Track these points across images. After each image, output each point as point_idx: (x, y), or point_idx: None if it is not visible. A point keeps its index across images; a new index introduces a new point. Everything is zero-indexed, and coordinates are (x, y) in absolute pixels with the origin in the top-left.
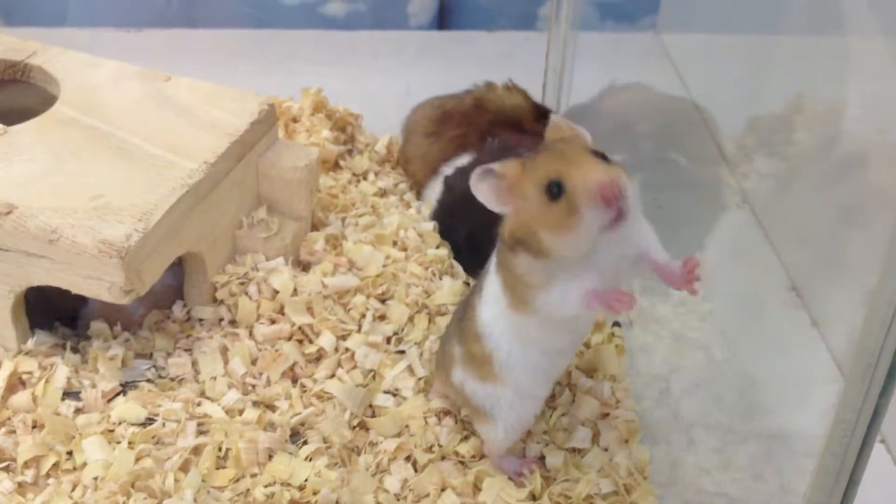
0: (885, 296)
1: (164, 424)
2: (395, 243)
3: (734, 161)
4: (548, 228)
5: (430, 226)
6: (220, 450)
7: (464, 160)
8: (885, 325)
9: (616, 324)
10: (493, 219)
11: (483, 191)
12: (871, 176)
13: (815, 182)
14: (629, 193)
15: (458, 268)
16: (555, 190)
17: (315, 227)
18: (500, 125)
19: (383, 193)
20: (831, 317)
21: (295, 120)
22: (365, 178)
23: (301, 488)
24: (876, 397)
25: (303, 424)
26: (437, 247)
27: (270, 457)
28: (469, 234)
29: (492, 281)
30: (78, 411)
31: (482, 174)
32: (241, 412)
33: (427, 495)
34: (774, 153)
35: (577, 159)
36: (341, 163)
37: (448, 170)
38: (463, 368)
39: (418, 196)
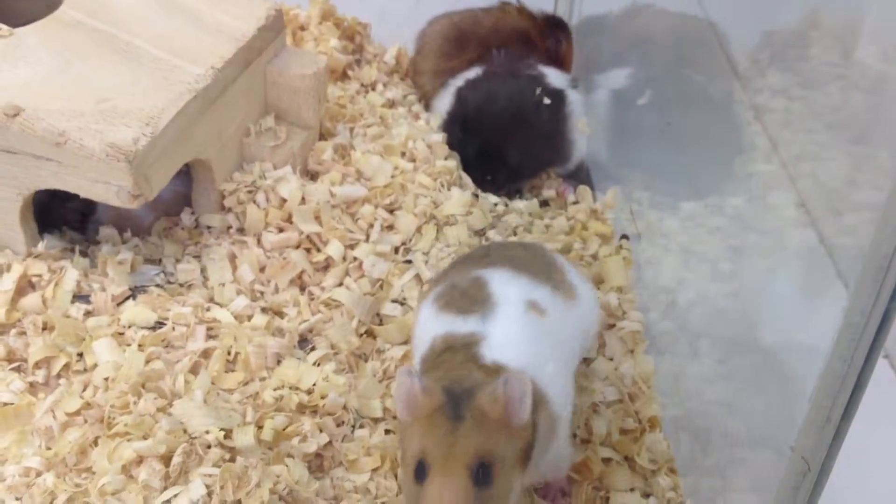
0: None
1: (173, 328)
2: (403, 154)
3: (746, 76)
4: (405, 492)
5: (439, 137)
6: (229, 354)
7: (474, 72)
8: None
9: (624, 236)
10: (505, 135)
11: (398, 390)
12: (885, 94)
13: (828, 99)
14: None
15: (467, 179)
16: (418, 472)
17: (323, 136)
18: (513, 43)
19: (392, 104)
20: (839, 234)
21: (302, 28)
22: (373, 89)
23: (309, 392)
24: (886, 302)
25: (311, 331)
26: (446, 158)
27: (279, 361)
28: (480, 149)
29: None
30: (88, 314)
31: (407, 374)
32: (249, 318)
33: None
34: (788, 69)
35: (447, 471)
36: (349, 73)
37: (458, 82)
38: None
39: (427, 108)
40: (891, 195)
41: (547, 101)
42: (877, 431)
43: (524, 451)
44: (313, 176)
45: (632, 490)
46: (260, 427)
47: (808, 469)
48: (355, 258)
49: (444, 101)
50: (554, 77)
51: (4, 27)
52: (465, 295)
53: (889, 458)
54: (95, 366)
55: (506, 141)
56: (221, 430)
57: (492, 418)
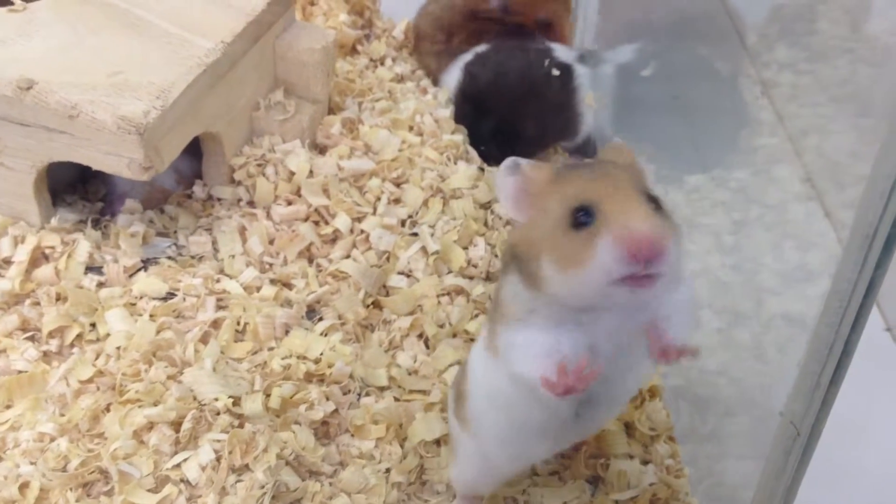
0: (884, 167)
1: (184, 299)
2: (411, 128)
3: (755, 51)
4: (555, 258)
5: (446, 112)
6: (238, 324)
7: (482, 47)
8: (884, 195)
9: None
10: (515, 108)
11: (506, 188)
12: (892, 66)
13: (835, 72)
14: (669, 259)
15: (473, 153)
16: (582, 217)
17: (332, 110)
18: (493, 21)
19: (400, 79)
20: (844, 208)
21: (312, 3)
22: (382, 64)
23: (316, 361)
24: (872, 269)
25: (318, 302)
26: (453, 132)
27: (287, 331)
28: (490, 123)
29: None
30: (100, 285)
31: (512, 167)
32: (258, 289)
33: (439, 370)
34: (796, 43)
35: (624, 193)
36: (359, 48)
37: (466, 57)
38: (452, 396)
39: (435, 82)
40: (876, 164)
41: (556, 72)
42: (866, 396)
43: None
44: (322, 149)
45: (631, 457)
46: (268, 395)
47: (798, 434)
48: (362, 231)
49: (453, 76)
50: (561, 51)
51: (18, 1)
52: None
53: (878, 422)
54: (108, 335)
55: (515, 114)
56: (230, 397)
57: (625, 164)
